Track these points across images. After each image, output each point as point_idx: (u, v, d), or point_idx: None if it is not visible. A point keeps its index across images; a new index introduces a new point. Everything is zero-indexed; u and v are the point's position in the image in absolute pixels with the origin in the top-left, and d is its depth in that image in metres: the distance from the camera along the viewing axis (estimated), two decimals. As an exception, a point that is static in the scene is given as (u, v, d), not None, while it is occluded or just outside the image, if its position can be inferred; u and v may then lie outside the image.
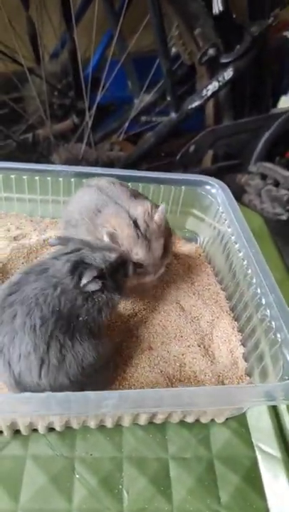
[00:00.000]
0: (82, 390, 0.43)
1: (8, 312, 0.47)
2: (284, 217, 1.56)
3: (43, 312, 0.46)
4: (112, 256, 0.51)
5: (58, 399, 0.42)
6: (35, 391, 0.44)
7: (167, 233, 0.61)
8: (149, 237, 0.56)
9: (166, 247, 0.60)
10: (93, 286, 0.48)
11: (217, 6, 1.21)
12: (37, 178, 0.68)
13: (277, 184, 1.55)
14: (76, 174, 0.69)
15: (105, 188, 0.60)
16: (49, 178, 0.69)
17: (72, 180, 0.70)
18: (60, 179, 0.69)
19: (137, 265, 0.56)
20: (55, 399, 0.42)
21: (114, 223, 0.55)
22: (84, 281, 0.48)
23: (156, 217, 0.57)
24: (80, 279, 0.48)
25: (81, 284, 0.48)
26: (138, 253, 0.55)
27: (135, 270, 0.56)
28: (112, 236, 0.54)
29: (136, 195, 0.61)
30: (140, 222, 0.55)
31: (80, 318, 0.48)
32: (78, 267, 0.49)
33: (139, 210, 0.56)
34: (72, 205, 0.62)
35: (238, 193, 1.65)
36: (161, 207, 0.58)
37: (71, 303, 0.48)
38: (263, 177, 1.59)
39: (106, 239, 0.55)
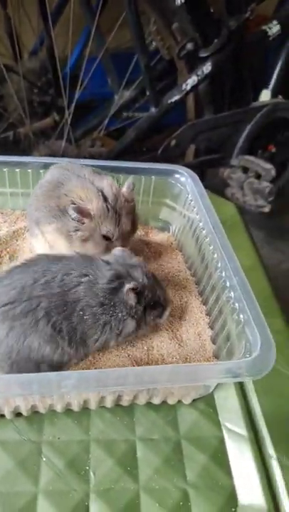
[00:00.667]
0: None
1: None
2: (266, 210, 1.57)
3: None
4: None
5: (19, 379, 0.43)
6: None
7: (133, 208, 0.61)
8: (119, 212, 0.56)
9: (134, 223, 0.60)
10: (131, 298, 0.51)
11: None
12: (5, 169, 0.69)
13: (258, 177, 1.56)
14: (45, 165, 0.70)
15: (66, 166, 0.60)
16: (17, 170, 0.69)
17: (42, 171, 0.70)
18: (29, 171, 0.70)
19: (105, 238, 0.56)
20: (16, 379, 0.43)
21: (82, 194, 0.55)
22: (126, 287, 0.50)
23: (125, 190, 0.57)
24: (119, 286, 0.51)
25: (123, 289, 0.50)
26: (107, 227, 0.56)
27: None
28: (79, 209, 0.54)
29: (98, 172, 0.61)
30: (108, 195, 0.55)
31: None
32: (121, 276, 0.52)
33: (105, 182, 0.56)
34: (36, 187, 0.63)
35: (221, 187, 1.66)
36: (129, 181, 0.58)
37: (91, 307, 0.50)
38: (245, 170, 1.60)
39: (71, 212, 0.54)
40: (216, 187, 1.65)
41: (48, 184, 0.60)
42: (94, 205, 0.55)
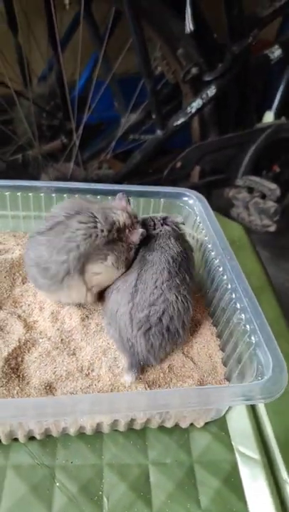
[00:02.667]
0: None
1: None
2: (272, 229, 1.58)
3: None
4: None
5: (34, 403, 0.43)
6: None
7: None
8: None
9: None
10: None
11: (188, 26, 1.26)
12: (19, 194, 0.70)
13: (263, 197, 1.58)
14: (57, 189, 0.71)
15: (78, 198, 0.62)
16: (30, 194, 0.71)
17: (54, 195, 0.72)
18: (42, 194, 0.71)
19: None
20: (31, 403, 0.43)
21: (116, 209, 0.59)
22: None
23: (133, 237, 0.59)
24: None
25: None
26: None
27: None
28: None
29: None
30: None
31: None
32: None
33: (122, 218, 0.59)
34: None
35: (226, 207, 1.68)
36: (141, 229, 0.60)
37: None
38: (250, 190, 1.62)
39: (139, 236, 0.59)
40: (221, 207, 1.67)
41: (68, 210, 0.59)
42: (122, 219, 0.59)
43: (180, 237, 0.63)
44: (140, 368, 0.55)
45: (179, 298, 0.56)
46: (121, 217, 0.59)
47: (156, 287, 0.56)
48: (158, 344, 0.55)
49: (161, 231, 0.62)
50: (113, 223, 0.58)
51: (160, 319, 0.55)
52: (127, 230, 0.59)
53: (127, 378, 0.53)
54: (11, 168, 1.50)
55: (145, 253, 0.61)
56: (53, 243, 0.56)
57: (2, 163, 1.49)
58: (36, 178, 1.51)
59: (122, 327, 0.56)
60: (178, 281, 0.57)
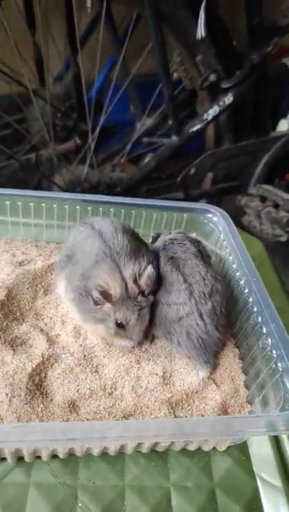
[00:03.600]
0: None
1: None
2: (283, 239, 1.58)
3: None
4: None
5: (62, 428, 0.43)
6: None
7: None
8: (139, 303, 0.57)
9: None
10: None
11: (200, 32, 1.25)
12: (43, 205, 0.70)
13: (276, 206, 1.57)
14: (82, 201, 0.71)
15: (108, 238, 0.60)
16: (55, 206, 0.70)
17: (78, 207, 0.71)
18: (66, 206, 0.71)
19: (119, 326, 0.57)
20: (59, 428, 0.43)
21: (108, 280, 0.56)
22: None
23: (142, 281, 0.57)
24: None
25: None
26: (124, 314, 0.56)
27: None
28: (103, 293, 0.55)
29: (136, 248, 0.60)
30: (129, 285, 0.56)
31: None
32: None
33: (130, 271, 0.57)
34: (76, 244, 0.62)
35: (238, 215, 1.68)
36: (149, 269, 0.57)
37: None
38: (263, 199, 1.61)
39: (95, 294, 0.56)
40: (232, 215, 1.67)
41: (86, 259, 0.60)
42: (116, 293, 0.56)
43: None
44: (213, 363, 0.59)
45: (220, 283, 0.60)
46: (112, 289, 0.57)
47: (203, 279, 0.58)
48: (221, 329, 0.59)
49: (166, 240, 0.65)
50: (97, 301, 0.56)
51: (221, 309, 0.58)
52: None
53: (202, 374, 0.58)
54: (23, 168, 1.49)
55: (170, 257, 0.62)
56: None
57: (15, 163, 1.48)
58: (48, 178, 1.50)
59: (191, 326, 0.57)
60: (211, 272, 0.60)
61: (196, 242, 0.66)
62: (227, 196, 1.70)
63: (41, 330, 0.61)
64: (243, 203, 1.64)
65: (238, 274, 0.64)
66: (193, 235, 0.67)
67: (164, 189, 1.60)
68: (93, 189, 1.49)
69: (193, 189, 1.61)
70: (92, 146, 1.45)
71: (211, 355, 0.59)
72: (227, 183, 1.67)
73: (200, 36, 1.33)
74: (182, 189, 1.58)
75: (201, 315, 0.57)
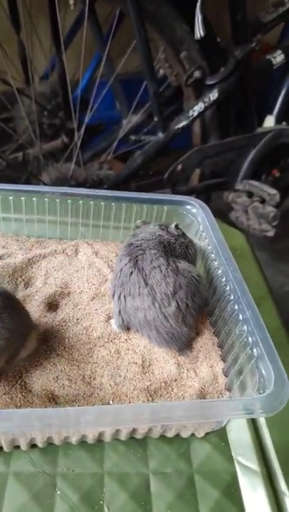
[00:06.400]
0: None
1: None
2: (270, 234, 1.59)
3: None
4: None
5: (39, 414, 0.43)
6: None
7: None
8: None
9: None
10: (175, 233, 0.65)
11: (198, 32, 1.26)
12: (23, 198, 0.70)
13: (263, 201, 1.59)
14: (61, 194, 0.71)
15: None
16: (35, 199, 0.71)
17: (58, 200, 0.72)
18: (46, 199, 0.71)
19: None
20: (36, 414, 0.43)
21: None
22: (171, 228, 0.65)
23: None
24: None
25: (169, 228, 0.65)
26: None
27: None
28: None
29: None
30: None
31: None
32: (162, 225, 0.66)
33: None
34: None
35: (225, 211, 1.69)
36: None
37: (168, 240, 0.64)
38: (250, 194, 1.62)
39: None
40: (220, 211, 1.68)
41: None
42: None
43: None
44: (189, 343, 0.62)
45: (186, 276, 0.59)
46: None
47: (164, 276, 0.58)
48: (191, 320, 0.60)
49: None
50: None
51: (187, 303, 0.58)
52: None
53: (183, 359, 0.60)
54: (10, 167, 1.49)
55: (130, 246, 0.63)
56: None
57: (2, 162, 1.48)
58: (36, 177, 1.50)
59: (159, 326, 0.58)
60: (172, 263, 0.60)
61: (166, 232, 0.65)
62: (214, 192, 1.71)
63: (21, 322, 0.62)
64: (230, 199, 1.65)
65: (216, 263, 0.65)
66: (173, 225, 0.67)
67: (152, 186, 1.61)
68: (80, 187, 1.49)
69: (181, 186, 1.62)
70: (79, 144, 1.45)
71: (184, 344, 0.60)
72: (214, 179, 1.68)
73: (198, 36, 1.33)
74: (170, 186, 1.58)
75: (166, 317, 0.58)
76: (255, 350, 0.52)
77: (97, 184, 1.51)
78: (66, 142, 1.57)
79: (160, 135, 1.49)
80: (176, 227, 0.66)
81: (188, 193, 1.63)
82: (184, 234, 0.67)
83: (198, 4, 1.24)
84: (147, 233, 0.64)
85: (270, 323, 0.68)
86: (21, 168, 1.52)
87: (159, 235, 0.63)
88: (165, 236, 0.64)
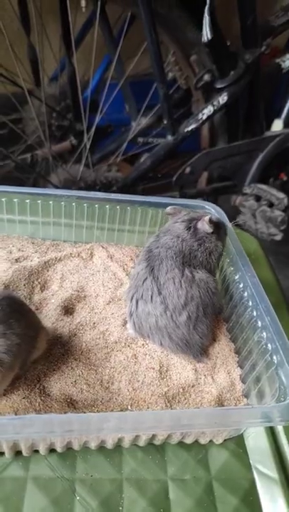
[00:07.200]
0: None
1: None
2: (278, 238, 1.59)
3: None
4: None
5: (60, 420, 0.43)
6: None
7: None
8: None
9: None
10: (208, 228, 0.61)
11: (206, 35, 1.26)
12: (39, 201, 0.70)
13: (271, 205, 1.59)
14: (78, 198, 0.71)
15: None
16: (51, 202, 0.71)
17: (74, 204, 0.72)
18: (62, 203, 0.71)
19: None
20: (57, 420, 0.43)
21: None
22: (200, 225, 0.62)
23: None
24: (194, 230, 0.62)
25: (198, 226, 0.62)
26: None
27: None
28: None
29: None
30: None
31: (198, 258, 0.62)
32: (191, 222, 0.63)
33: None
34: None
35: (233, 214, 1.69)
36: None
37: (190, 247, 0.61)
38: (258, 198, 1.62)
39: None
40: (227, 214, 1.68)
41: None
42: None
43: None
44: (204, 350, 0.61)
45: (202, 287, 0.59)
46: None
47: (177, 289, 0.58)
48: (206, 328, 0.60)
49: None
50: None
51: (197, 314, 0.59)
52: None
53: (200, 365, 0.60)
54: (19, 168, 1.49)
55: (149, 252, 0.62)
56: None
57: (11, 163, 1.48)
58: (45, 178, 1.50)
59: (171, 333, 0.58)
60: (189, 273, 0.60)
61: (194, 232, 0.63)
62: (223, 196, 1.71)
63: (38, 326, 0.61)
64: (238, 203, 1.65)
65: (232, 269, 0.65)
66: (206, 218, 0.61)
67: (160, 189, 1.61)
68: (89, 188, 1.49)
69: (189, 188, 1.62)
70: (88, 146, 1.45)
71: (198, 352, 0.60)
72: (222, 182, 1.68)
73: (206, 39, 1.33)
74: (178, 188, 1.58)
75: (177, 326, 0.58)
76: (275, 357, 0.52)
77: (106, 186, 1.51)
78: (75, 144, 1.57)
79: (169, 138, 1.49)
80: (210, 220, 0.61)
81: (196, 196, 1.63)
82: (217, 226, 0.64)
83: (207, 7, 1.24)
84: (169, 238, 0.62)
85: (286, 328, 0.68)
86: (30, 170, 1.52)
87: (182, 241, 0.61)
88: (188, 241, 0.62)
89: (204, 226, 0.62)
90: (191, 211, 0.67)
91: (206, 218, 0.61)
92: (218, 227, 0.64)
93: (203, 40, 1.27)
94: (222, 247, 0.65)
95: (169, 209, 0.67)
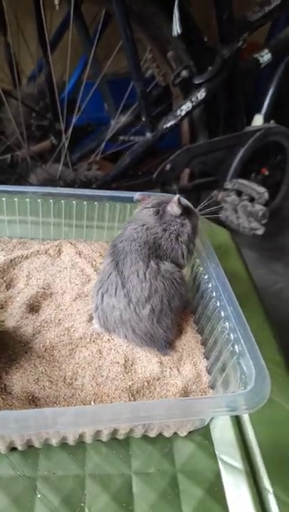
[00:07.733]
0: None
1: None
2: (260, 232, 1.59)
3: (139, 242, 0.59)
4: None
5: (15, 416, 0.42)
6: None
7: None
8: None
9: None
10: (176, 209, 0.59)
11: (176, 30, 1.26)
12: (4, 199, 0.70)
13: (252, 200, 1.59)
14: (43, 195, 0.71)
15: None
16: (16, 200, 0.70)
17: (39, 200, 0.71)
18: (28, 200, 0.70)
19: None
20: (12, 416, 0.43)
21: None
22: (169, 207, 0.60)
23: None
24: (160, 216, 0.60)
25: (167, 209, 0.60)
26: None
27: None
28: None
29: None
30: None
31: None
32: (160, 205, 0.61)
33: None
34: None
35: (215, 210, 1.68)
36: None
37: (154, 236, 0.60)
38: (239, 193, 1.62)
39: None
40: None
41: None
42: None
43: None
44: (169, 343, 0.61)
45: (167, 278, 0.59)
46: None
47: (141, 281, 0.58)
48: (170, 322, 0.60)
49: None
50: None
51: (162, 307, 0.58)
52: None
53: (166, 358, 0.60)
54: (-1, 169, 1.49)
55: (114, 247, 0.61)
56: None
57: (-10, 164, 1.47)
58: (25, 178, 1.49)
59: (134, 326, 0.58)
60: (154, 265, 0.59)
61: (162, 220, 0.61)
62: (204, 192, 1.71)
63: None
64: (220, 198, 1.64)
65: (198, 261, 0.64)
66: (175, 199, 0.59)
67: (142, 186, 1.60)
68: (69, 187, 1.48)
69: (171, 185, 1.61)
70: (66, 145, 1.44)
71: (162, 345, 0.60)
72: (204, 178, 1.68)
73: (176, 33, 1.33)
74: (159, 185, 1.58)
75: (141, 319, 0.58)
76: (236, 346, 0.52)
77: (86, 185, 1.51)
78: (55, 143, 1.56)
79: (148, 135, 1.49)
80: (179, 202, 0.59)
81: (178, 192, 1.62)
82: (187, 209, 0.62)
83: (176, 2, 1.24)
84: (134, 228, 0.61)
85: (254, 319, 0.68)
86: (10, 171, 1.51)
87: (146, 229, 0.60)
88: (153, 229, 0.60)
89: (173, 208, 0.60)
90: (160, 195, 0.66)
91: (175, 199, 0.59)
92: (188, 209, 0.62)
93: (173, 34, 1.27)
94: (192, 230, 0.62)
95: (137, 195, 0.67)
